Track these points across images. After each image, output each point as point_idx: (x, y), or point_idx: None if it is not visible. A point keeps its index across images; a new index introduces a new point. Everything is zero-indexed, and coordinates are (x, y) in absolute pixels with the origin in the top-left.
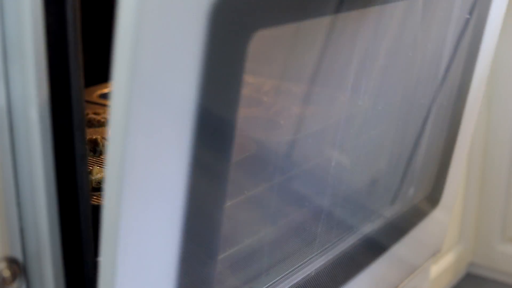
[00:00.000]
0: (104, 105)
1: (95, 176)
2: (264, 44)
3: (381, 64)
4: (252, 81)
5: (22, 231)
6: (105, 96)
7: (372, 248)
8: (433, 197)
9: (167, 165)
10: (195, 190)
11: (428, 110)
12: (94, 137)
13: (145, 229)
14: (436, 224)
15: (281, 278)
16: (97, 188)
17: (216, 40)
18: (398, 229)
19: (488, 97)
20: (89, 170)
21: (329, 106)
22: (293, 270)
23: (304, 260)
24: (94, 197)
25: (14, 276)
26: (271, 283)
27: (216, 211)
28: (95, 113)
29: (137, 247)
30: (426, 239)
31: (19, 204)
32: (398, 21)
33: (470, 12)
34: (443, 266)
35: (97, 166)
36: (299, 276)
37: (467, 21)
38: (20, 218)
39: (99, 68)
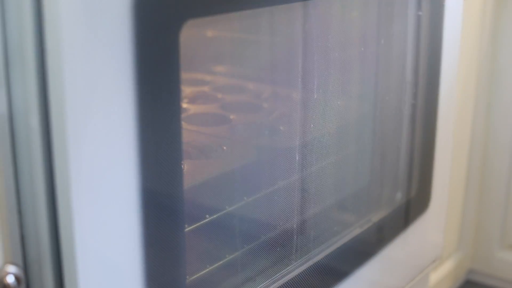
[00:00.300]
0: None
1: None
2: (197, 36)
3: (332, 59)
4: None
5: (23, 238)
6: None
7: (360, 253)
8: (422, 201)
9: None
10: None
11: (403, 112)
12: None
13: None
14: (429, 229)
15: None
16: None
17: (144, 34)
18: (386, 234)
19: (488, 104)
20: None
21: (301, 108)
22: (274, 278)
23: (286, 269)
24: None
25: (15, 283)
26: None
27: (175, 240)
28: None
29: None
30: (422, 244)
31: (20, 212)
32: (341, 16)
33: (420, 9)
34: (442, 273)
35: None
36: (280, 283)
37: (419, 18)
38: (21, 225)
39: None
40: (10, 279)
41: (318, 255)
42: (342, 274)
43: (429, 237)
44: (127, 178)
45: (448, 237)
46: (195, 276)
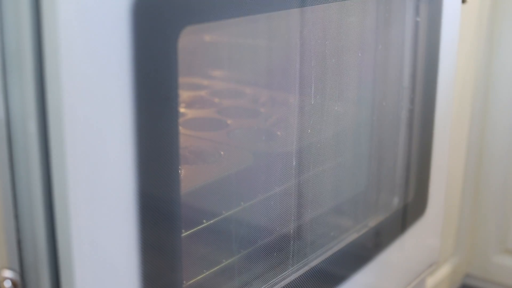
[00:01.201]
0: None
1: None
2: (195, 41)
3: (329, 65)
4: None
5: (19, 243)
6: None
7: (357, 258)
8: (419, 206)
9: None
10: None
11: (401, 117)
12: None
13: None
14: (426, 234)
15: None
16: None
17: (143, 40)
18: (383, 239)
19: (484, 109)
20: None
21: (298, 113)
22: (271, 283)
23: (283, 274)
24: None
25: None
26: None
27: (172, 245)
28: None
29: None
30: (418, 249)
31: (16, 216)
32: (338, 21)
33: (418, 14)
34: (439, 277)
35: None
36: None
37: (417, 24)
38: (18, 230)
39: None
40: (7, 284)
41: (314, 260)
42: (339, 279)
43: (426, 241)
44: (125, 183)
45: (444, 241)
46: (192, 281)
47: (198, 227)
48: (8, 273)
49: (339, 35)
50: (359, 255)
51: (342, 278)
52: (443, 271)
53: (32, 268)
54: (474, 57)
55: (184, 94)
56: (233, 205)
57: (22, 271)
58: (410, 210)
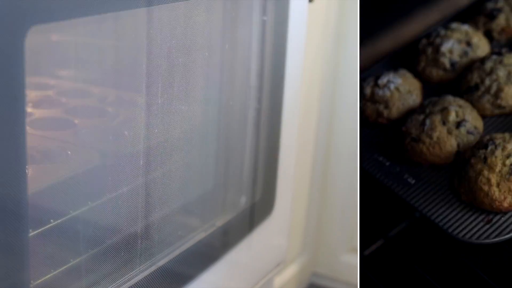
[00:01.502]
0: None
1: None
2: (42, 41)
3: (176, 64)
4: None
5: None
6: None
7: (204, 258)
8: (266, 205)
9: None
10: None
11: (248, 116)
12: None
13: None
14: (273, 233)
15: None
16: None
17: None
18: (231, 238)
19: (331, 106)
20: None
21: (146, 113)
22: (119, 282)
23: (131, 273)
24: None
25: None
26: None
27: (19, 244)
28: None
29: None
30: (266, 248)
31: None
32: (185, 21)
33: (265, 13)
34: (286, 277)
35: None
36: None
37: (264, 23)
38: None
39: None
40: None
41: (162, 259)
42: (187, 278)
43: (273, 241)
44: None
45: (292, 241)
46: (40, 280)
47: (46, 227)
48: None
49: (186, 34)
50: (207, 254)
51: (190, 277)
52: (291, 270)
53: None
54: (321, 56)
55: (31, 94)
56: (81, 205)
57: None
58: (258, 210)
